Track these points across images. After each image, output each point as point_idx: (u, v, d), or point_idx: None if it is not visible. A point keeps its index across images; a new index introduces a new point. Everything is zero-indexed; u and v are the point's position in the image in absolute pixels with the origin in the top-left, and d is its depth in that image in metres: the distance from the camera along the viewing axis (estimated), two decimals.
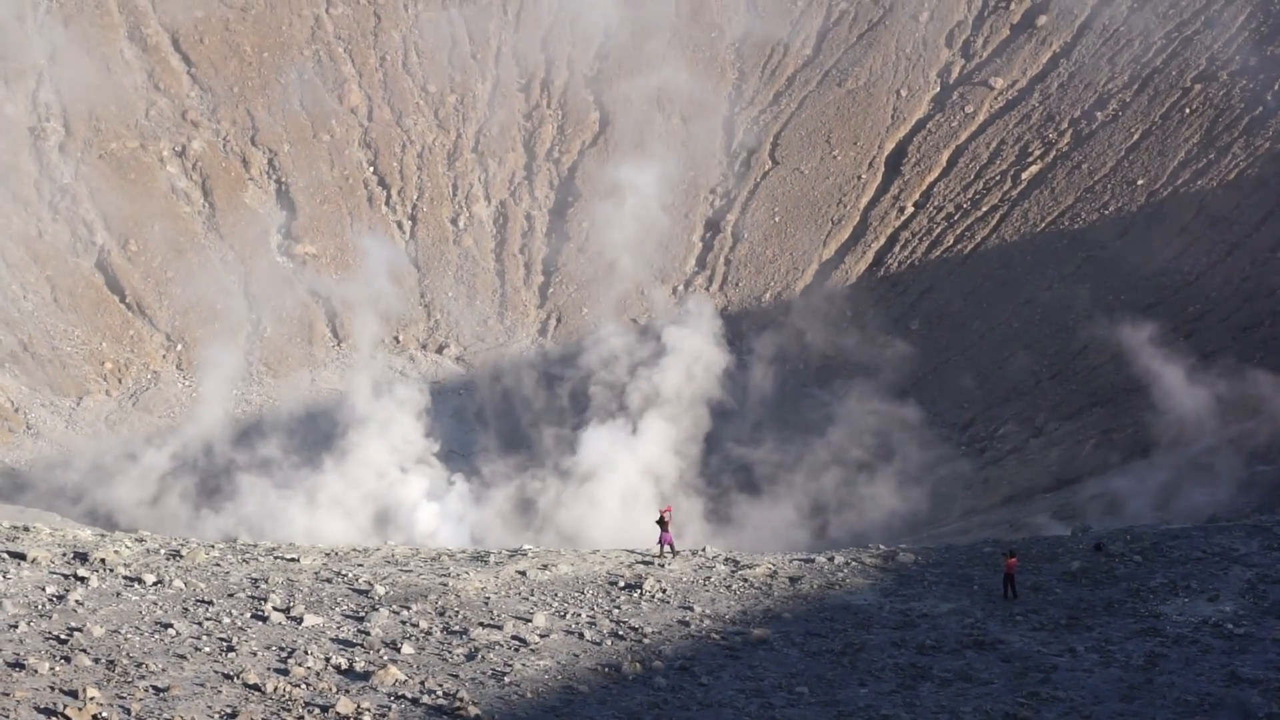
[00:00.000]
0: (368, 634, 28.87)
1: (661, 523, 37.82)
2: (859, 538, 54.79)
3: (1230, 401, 55.82)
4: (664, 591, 33.31)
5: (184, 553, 34.89)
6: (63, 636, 27.21)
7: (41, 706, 23.35)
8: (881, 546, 40.51)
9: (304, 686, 25.46)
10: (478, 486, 65.29)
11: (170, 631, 28.03)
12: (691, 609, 32.11)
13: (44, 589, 30.44)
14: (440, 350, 79.11)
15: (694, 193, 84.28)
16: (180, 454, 66.88)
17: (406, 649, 27.99)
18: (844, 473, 64.33)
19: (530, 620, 30.44)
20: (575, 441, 66.69)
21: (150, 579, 31.65)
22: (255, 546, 37.72)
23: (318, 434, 68.87)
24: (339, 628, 29.33)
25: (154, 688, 24.72)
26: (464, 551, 39.17)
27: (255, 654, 27.15)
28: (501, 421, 73.46)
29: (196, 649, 27.15)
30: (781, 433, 68.99)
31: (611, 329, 75.30)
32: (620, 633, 30.18)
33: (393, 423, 66.69)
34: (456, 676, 26.79)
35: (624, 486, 63.26)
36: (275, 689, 25.09)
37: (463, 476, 65.43)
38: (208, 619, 29.20)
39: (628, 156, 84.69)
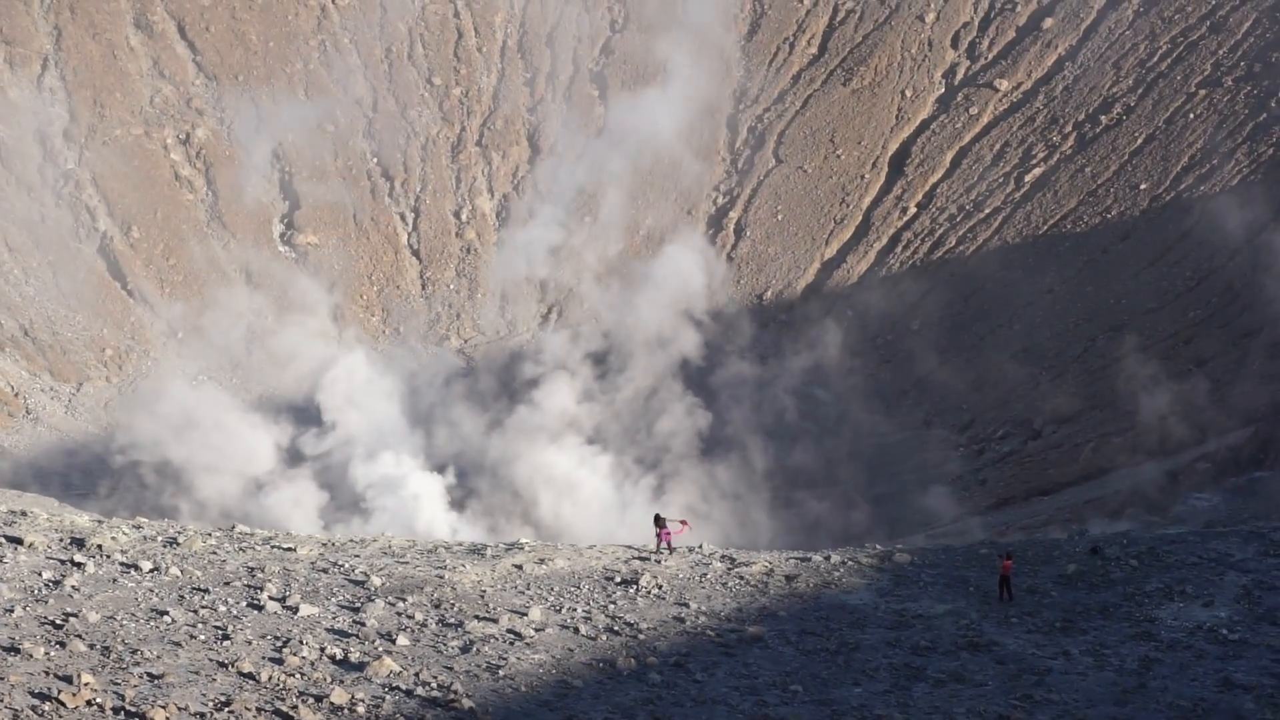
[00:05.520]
0: (363, 625, 28.87)
1: (659, 521, 37.84)
2: (853, 539, 54.77)
3: (1227, 407, 55.86)
4: (660, 588, 33.31)
5: (181, 540, 34.89)
6: (58, 622, 27.21)
7: (36, 691, 23.35)
8: (878, 546, 40.55)
9: (298, 676, 25.48)
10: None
11: (166, 619, 28.04)
12: (687, 605, 32.12)
13: (40, 574, 30.45)
14: (441, 342, 79.15)
15: (697, 189, 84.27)
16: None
17: (401, 640, 27.99)
18: (840, 471, 64.37)
19: (525, 614, 30.44)
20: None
21: (146, 566, 31.65)
22: (252, 535, 37.76)
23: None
24: (334, 618, 29.34)
25: (148, 674, 24.73)
26: (461, 544, 39.22)
27: (250, 643, 27.16)
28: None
29: (191, 636, 27.15)
30: (781, 432, 68.98)
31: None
32: (615, 628, 30.18)
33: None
34: (451, 669, 26.80)
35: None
36: (269, 678, 25.10)
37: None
38: (203, 607, 29.20)
39: (631, 152, 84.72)
